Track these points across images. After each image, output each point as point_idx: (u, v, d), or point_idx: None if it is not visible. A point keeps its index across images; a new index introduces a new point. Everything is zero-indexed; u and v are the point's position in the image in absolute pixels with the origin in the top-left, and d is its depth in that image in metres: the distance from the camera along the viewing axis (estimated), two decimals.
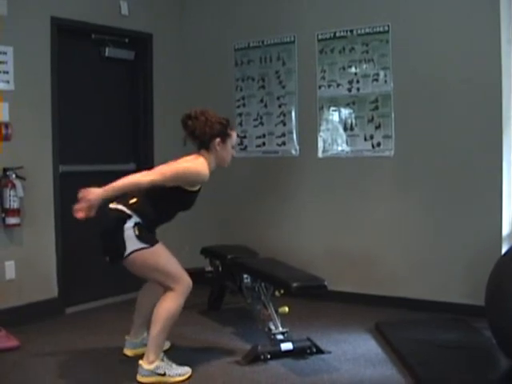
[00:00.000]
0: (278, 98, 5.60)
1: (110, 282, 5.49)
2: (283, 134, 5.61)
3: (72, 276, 5.15)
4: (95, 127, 5.47)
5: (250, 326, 4.43)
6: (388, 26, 5.06)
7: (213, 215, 5.84)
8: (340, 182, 5.37)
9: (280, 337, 3.97)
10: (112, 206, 3.61)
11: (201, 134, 3.69)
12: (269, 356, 3.85)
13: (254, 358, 3.83)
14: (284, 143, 5.62)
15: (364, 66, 5.19)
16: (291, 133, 5.57)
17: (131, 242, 3.52)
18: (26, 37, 4.76)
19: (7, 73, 4.64)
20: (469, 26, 4.74)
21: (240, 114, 5.82)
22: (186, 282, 3.64)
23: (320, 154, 5.44)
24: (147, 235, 3.59)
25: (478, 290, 3.97)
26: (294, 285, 3.83)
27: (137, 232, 3.53)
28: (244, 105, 5.81)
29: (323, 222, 5.44)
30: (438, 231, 4.93)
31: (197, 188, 3.69)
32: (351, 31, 5.22)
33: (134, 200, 3.61)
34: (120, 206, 3.59)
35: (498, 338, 3.67)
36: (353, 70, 5.24)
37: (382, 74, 5.12)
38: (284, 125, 5.60)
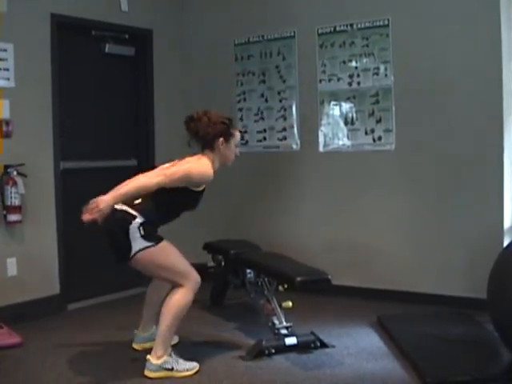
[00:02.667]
0: (279, 93, 5.60)
1: (112, 278, 5.50)
2: (284, 129, 5.61)
3: (74, 272, 5.15)
4: (96, 123, 5.47)
5: (254, 320, 4.44)
6: (388, 20, 5.05)
7: (214, 210, 5.84)
8: (341, 176, 5.37)
9: (284, 331, 3.97)
10: (117, 206, 3.57)
11: (204, 135, 3.71)
12: (273, 351, 3.85)
13: (258, 353, 3.83)
14: (285, 138, 5.61)
15: (364, 60, 5.19)
16: (292, 127, 5.56)
17: (136, 241, 3.52)
18: (26, 34, 4.76)
19: (8, 70, 4.63)
20: (469, 19, 4.73)
21: (241, 109, 5.82)
22: (195, 277, 3.65)
23: (321, 149, 5.44)
24: (152, 234, 3.59)
25: (480, 283, 3.96)
26: (298, 279, 3.82)
27: (142, 232, 3.52)
28: (245, 99, 5.80)
29: (324, 216, 5.45)
30: (440, 224, 4.93)
31: (201, 188, 3.70)
32: (351, 25, 5.22)
33: (139, 201, 3.60)
34: (125, 207, 3.57)
35: (500, 331, 3.68)
36: (353, 64, 5.23)
37: (382, 67, 5.12)
38: (285, 119, 5.59)
